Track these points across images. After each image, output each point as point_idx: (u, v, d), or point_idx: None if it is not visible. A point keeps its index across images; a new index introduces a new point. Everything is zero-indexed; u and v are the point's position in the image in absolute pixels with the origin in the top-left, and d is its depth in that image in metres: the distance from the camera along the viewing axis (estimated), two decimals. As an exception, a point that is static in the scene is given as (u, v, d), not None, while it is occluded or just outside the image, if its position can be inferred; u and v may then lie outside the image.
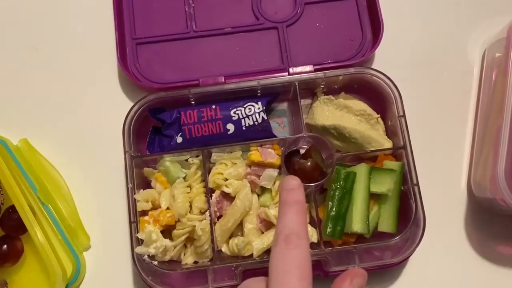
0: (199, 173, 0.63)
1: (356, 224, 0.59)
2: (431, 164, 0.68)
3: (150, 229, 0.59)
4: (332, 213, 0.59)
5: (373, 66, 0.72)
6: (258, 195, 0.64)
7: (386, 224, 0.61)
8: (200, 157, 0.63)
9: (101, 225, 0.66)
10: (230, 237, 0.62)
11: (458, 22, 0.73)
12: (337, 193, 0.60)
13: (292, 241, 0.39)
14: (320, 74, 0.64)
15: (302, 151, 0.65)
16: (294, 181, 0.43)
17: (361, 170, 0.61)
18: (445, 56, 0.72)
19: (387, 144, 0.64)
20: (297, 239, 0.39)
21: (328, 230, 0.59)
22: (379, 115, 0.65)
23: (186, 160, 0.64)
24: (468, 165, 0.69)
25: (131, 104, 0.69)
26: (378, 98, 0.66)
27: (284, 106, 0.70)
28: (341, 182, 0.60)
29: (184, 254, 0.62)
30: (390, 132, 0.66)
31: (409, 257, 0.62)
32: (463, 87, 0.72)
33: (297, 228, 0.40)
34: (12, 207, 0.63)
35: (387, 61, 0.71)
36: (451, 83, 0.72)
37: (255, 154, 0.62)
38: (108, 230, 0.66)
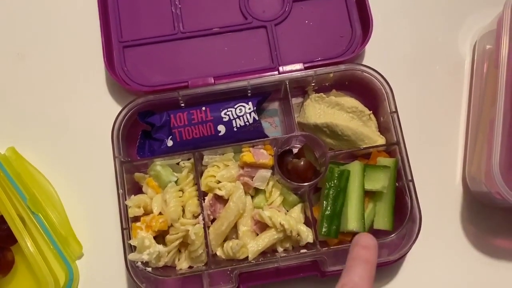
0: (191, 176, 0.62)
1: (352, 223, 0.58)
2: (424, 160, 0.67)
3: (142, 235, 0.57)
4: (327, 212, 0.58)
5: (364, 62, 0.71)
6: (252, 197, 0.63)
7: (382, 221, 0.60)
8: (192, 160, 0.62)
9: (93, 232, 0.65)
10: (224, 240, 0.61)
11: (447, 15, 0.73)
12: (331, 192, 0.59)
13: None
14: (310, 72, 0.63)
15: (295, 151, 0.64)
16: (371, 241, 0.42)
17: (355, 168, 0.60)
18: (436, 50, 0.72)
19: (380, 140, 0.63)
20: None
21: (324, 229, 0.58)
22: (371, 112, 0.64)
23: (178, 163, 0.63)
24: (462, 160, 0.69)
25: (120, 108, 0.68)
26: (369, 94, 0.66)
27: (275, 105, 0.69)
28: (335, 181, 0.59)
29: (179, 259, 0.61)
30: (382, 129, 0.65)
31: (406, 254, 0.61)
32: (455, 80, 0.71)
33: (363, 287, 0.39)
34: (1, 218, 0.62)
35: (378, 56, 0.71)
36: (442, 76, 0.71)
37: (248, 155, 0.61)
38: (100, 237, 0.65)
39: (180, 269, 0.60)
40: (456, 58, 0.72)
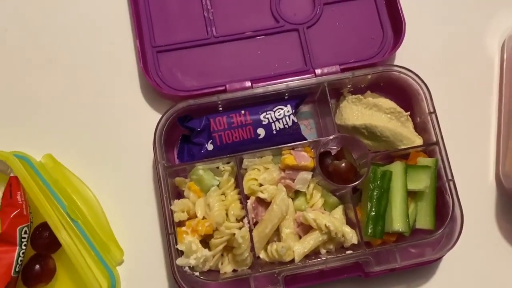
0: (232, 180, 0.62)
1: (397, 223, 0.59)
2: (456, 159, 0.67)
3: (189, 240, 0.57)
4: (372, 214, 0.59)
5: (395, 63, 0.72)
6: (292, 199, 0.63)
7: (424, 221, 0.61)
8: (231, 163, 0.62)
9: (132, 238, 0.65)
10: (267, 243, 0.61)
11: (475, 14, 0.74)
12: (375, 193, 0.60)
13: None
14: (348, 74, 0.64)
15: (332, 152, 0.65)
16: None
17: (397, 168, 0.61)
18: (464, 50, 0.73)
19: (418, 141, 0.64)
20: None
21: (370, 230, 0.59)
22: (408, 112, 0.65)
23: (217, 167, 0.63)
24: (495, 158, 0.69)
25: (155, 113, 0.69)
26: (404, 95, 0.66)
27: (308, 108, 0.69)
28: (378, 182, 0.60)
29: (222, 263, 0.61)
30: (419, 129, 0.66)
31: (447, 252, 0.62)
32: (484, 79, 0.72)
33: None
34: (42, 225, 0.62)
35: (408, 58, 0.71)
36: (472, 76, 0.72)
37: (289, 158, 0.61)
38: (140, 243, 0.65)
39: (225, 272, 0.60)
40: (484, 57, 0.73)
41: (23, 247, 0.60)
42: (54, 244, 0.61)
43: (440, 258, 0.64)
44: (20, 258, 0.59)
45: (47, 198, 0.62)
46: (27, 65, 0.70)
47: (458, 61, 0.73)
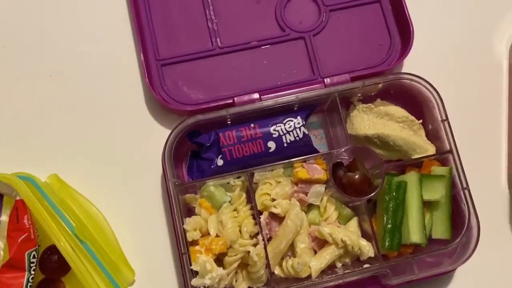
0: (244, 195, 0.61)
1: (414, 235, 0.58)
2: (468, 165, 0.67)
3: (203, 259, 0.56)
4: (389, 226, 0.58)
5: (403, 70, 0.71)
6: (305, 213, 0.62)
7: (441, 230, 0.60)
8: (242, 178, 0.61)
9: (143, 257, 0.64)
10: (281, 259, 0.60)
11: (482, 19, 0.73)
12: (391, 205, 0.58)
13: None
14: (359, 83, 0.63)
15: (344, 163, 0.64)
16: None
17: (412, 178, 0.60)
18: (472, 56, 0.72)
19: (431, 149, 0.63)
20: None
21: (387, 243, 0.58)
22: (421, 120, 0.64)
23: (228, 182, 0.62)
24: (506, 162, 0.69)
25: (161, 128, 0.67)
26: (414, 103, 0.65)
27: (317, 118, 0.68)
28: (394, 193, 0.59)
29: (236, 281, 0.60)
30: (431, 137, 0.65)
31: (465, 262, 0.61)
32: (493, 84, 0.71)
33: None
34: (50, 249, 0.60)
35: (416, 64, 0.70)
36: (480, 82, 0.71)
37: (302, 171, 0.60)
38: (151, 262, 0.63)
39: (240, 291, 0.59)
40: (492, 62, 0.72)
41: (32, 272, 0.58)
42: (63, 267, 0.60)
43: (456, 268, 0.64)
44: (29, 284, 0.58)
45: (54, 220, 0.60)
46: (27, 83, 0.68)
47: (465, 67, 0.72)
